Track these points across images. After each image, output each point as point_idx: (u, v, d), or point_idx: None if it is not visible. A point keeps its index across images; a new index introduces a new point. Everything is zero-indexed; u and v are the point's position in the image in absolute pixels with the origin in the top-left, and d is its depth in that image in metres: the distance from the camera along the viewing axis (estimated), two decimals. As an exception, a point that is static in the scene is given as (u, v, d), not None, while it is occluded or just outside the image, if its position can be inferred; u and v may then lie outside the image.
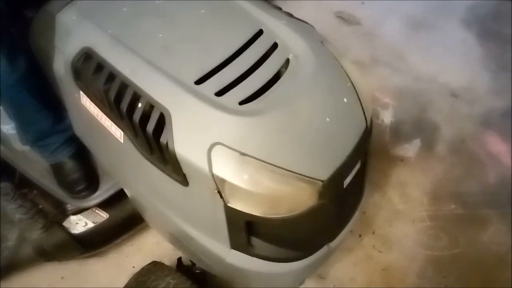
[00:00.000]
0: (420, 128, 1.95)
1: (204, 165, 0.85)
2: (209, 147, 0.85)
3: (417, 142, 1.89)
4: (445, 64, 2.21)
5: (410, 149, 1.87)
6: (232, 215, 0.91)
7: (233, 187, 0.86)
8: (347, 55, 1.08)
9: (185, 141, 0.87)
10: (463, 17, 2.46)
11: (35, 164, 1.39)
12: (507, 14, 2.43)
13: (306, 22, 1.10)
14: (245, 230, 0.95)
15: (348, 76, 1.00)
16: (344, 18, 2.41)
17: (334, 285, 1.50)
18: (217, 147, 0.85)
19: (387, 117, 1.94)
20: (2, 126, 1.39)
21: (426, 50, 2.28)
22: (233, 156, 0.85)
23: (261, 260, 1.01)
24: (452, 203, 1.72)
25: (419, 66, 2.19)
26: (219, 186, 0.87)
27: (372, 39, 2.31)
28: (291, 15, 1.10)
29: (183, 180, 0.92)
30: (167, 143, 0.88)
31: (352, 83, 1.00)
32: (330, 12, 2.44)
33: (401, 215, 1.68)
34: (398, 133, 1.92)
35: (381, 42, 2.30)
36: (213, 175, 0.85)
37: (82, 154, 1.37)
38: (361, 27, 2.36)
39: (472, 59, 2.25)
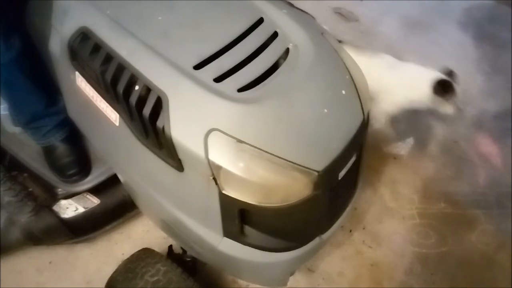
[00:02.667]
0: (414, 126, 1.96)
1: (200, 151, 0.85)
2: (206, 132, 0.85)
3: (410, 141, 1.90)
4: (440, 64, 2.22)
5: (402, 147, 1.88)
6: (226, 203, 0.91)
7: (229, 174, 0.85)
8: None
9: (181, 126, 0.86)
10: (460, 19, 2.48)
11: (26, 147, 1.37)
12: (503, 18, 2.46)
13: (307, 13, 1.10)
14: (238, 218, 0.95)
15: (347, 68, 1.00)
16: (342, 14, 2.41)
17: (323, 279, 1.51)
18: (214, 133, 0.85)
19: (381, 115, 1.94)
20: (-6, 107, 1.37)
21: (422, 50, 2.29)
22: (229, 143, 0.85)
23: (253, 249, 1.01)
24: (442, 202, 1.74)
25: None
26: (215, 173, 0.86)
27: (369, 36, 2.32)
28: (292, 5, 1.09)
29: (178, 165, 0.91)
30: (163, 127, 0.87)
31: (351, 76, 1.00)
32: (329, 7, 2.44)
33: (392, 212, 1.70)
34: (392, 130, 1.92)
35: (379, 40, 2.30)
36: (209, 161, 0.85)
37: (75, 138, 1.35)
38: (359, 24, 2.36)
39: (467, 61, 2.27)
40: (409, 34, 2.36)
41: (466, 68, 2.24)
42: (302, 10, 1.10)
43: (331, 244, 1.56)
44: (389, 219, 1.68)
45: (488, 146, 1.93)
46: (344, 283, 1.51)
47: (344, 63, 1.01)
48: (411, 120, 1.98)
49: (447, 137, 1.95)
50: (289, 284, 1.45)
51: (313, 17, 1.11)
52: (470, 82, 2.17)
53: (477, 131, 1.99)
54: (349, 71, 1.01)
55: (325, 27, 1.10)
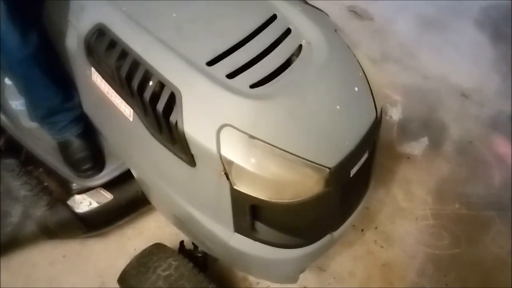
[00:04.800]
0: (428, 126, 1.94)
1: (212, 146, 0.85)
2: (218, 128, 0.85)
3: (424, 141, 1.88)
4: (456, 64, 2.21)
5: (416, 147, 1.87)
6: (238, 198, 0.91)
7: (240, 169, 0.86)
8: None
9: (194, 121, 0.87)
10: (476, 18, 2.45)
11: (42, 142, 1.40)
12: (521, 17, 2.42)
13: (321, 10, 1.09)
14: (249, 213, 0.95)
15: (360, 65, 1.00)
16: (356, 13, 2.40)
17: (334, 278, 1.50)
18: (226, 128, 0.85)
19: (395, 114, 1.94)
20: (11, 102, 1.40)
21: (438, 49, 2.27)
22: (241, 139, 0.85)
23: (264, 245, 1.01)
24: (456, 203, 1.72)
25: (429, 65, 2.18)
26: (226, 168, 0.87)
27: (384, 35, 2.31)
28: (305, 2, 1.09)
29: (191, 160, 0.92)
30: (176, 122, 0.88)
31: (364, 73, 0.99)
32: (343, 5, 2.43)
33: (405, 213, 1.68)
34: (406, 130, 1.91)
35: (393, 38, 2.29)
36: (221, 156, 0.85)
37: (90, 134, 1.37)
38: (373, 22, 2.35)
39: (484, 61, 2.24)
40: (424, 33, 2.34)
41: (482, 67, 2.21)
42: (315, 7, 1.10)
43: (342, 243, 1.56)
44: (401, 220, 1.66)
45: (503, 147, 1.91)
46: (355, 283, 1.50)
47: (358, 60, 1.01)
48: (425, 120, 1.96)
49: (462, 138, 1.92)
50: (300, 283, 1.45)
51: (326, 14, 1.10)
52: (486, 82, 2.15)
53: (493, 132, 1.96)
54: (362, 68, 1.00)
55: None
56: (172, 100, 0.88)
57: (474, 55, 2.26)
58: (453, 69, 2.17)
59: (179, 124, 0.87)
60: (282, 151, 0.86)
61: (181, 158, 0.94)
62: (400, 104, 1.98)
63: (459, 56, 2.24)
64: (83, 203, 1.37)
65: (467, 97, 2.08)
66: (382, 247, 1.58)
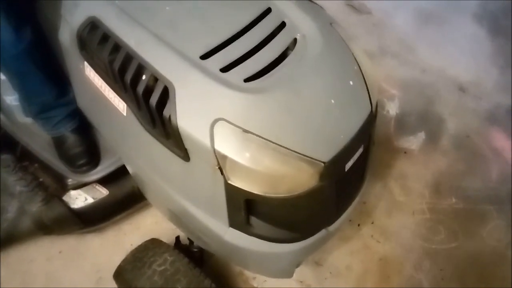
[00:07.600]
0: (425, 120, 1.94)
1: (206, 140, 0.85)
2: (212, 122, 0.85)
3: (421, 135, 1.88)
4: (454, 58, 2.20)
5: (414, 141, 1.86)
6: (232, 193, 0.91)
7: (234, 163, 0.85)
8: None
9: (188, 115, 0.86)
10: (474, 12, 2.43)
11: (37, 137, 1.39)
12: (519, 11, 2.41)
13: (316, 3, 1.08)
14: (244, 208, 0.95)
15: (355, 59, 0.99)
16: (354, 7, 2.39)
17: (331, 272, 1.50)
18: (220, 122, 0.85)
19: (392, 108, 1.93)
20: (5, 97, 1.39)
21: (436, 43, 2.26)
22: (235, 133, 0.85)
23: (259, 240, 1.01)
24: (453, 197, 1.72)
25: (427, 59, 2.17)
26: (220, 162, 0.86)
27: (381, 29, 2.29)
28: (300, -5, 1.08)
29: (185, 155, 0.91)
30: (170, 116, 0.87)
31: (359, 67, 0.99)
32: (341, -1, 2.42)
33: (401, 207, 1.68)
34: (403, 124, 1.91)
35: (391, 32, 2.28)
36: (214, 150, 0.85)
37: (84, 129, 1.37)
38: (371, 16, 2.34)
39: (481, 55, 2.23)
40: (422, 27, 2.33)
41: (480, 61, 2.21)
42: (311, 1, 1.09)
43: (339, 238, 1.56)
44: (398, 214, 1.66)
45: (501, 141, 1.90)
46: (352, 277, 1.50)
47: (353, 54, 1.00)
48: (422, 114, 1.96)
49: (460, 132, 1.92)
50: (297, 277, 1.46)
51: (322, 7, 1.09)
52: (484, 76, 2.14)
53: (490, 126, 1.96)
54: (357, 62, 0.99)
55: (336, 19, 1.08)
56: (166, 94, 0.88)
57: (472, 49, 2.25)
58: (451, 63, 2.16)
59: (172, 118, 0.87)
60: (276, 145, 0.85)
61: (175, 153, 0.93)
62: (397, 98, 1.97)
63: (457, 50, 2.23)
64: (79, 199, 1.37)
65: (465, 91, 2.07)
66: (378, 241, 1.58)
